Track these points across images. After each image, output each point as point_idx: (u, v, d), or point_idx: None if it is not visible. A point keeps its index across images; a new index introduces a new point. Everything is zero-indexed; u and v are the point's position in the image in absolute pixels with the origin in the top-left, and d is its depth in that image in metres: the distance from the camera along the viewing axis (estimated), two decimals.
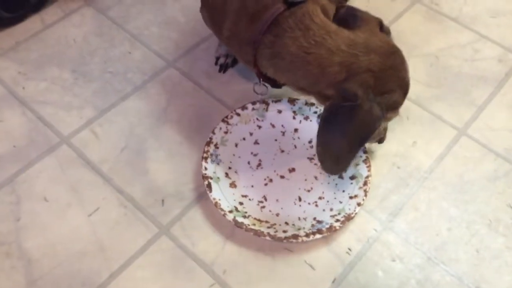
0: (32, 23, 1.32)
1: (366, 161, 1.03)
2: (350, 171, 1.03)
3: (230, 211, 0.99)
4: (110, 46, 1.28)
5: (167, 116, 1.16)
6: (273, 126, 1.12)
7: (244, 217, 0.99)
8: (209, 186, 1.01)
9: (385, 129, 1.02)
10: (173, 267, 0.96)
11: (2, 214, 1.01)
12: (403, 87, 0.91)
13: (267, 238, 0.95)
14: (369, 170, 1.02)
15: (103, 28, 1.32)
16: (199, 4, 1.11)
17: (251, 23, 0.94)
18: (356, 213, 0.97)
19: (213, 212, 1.02)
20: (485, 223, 1.02)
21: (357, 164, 1.03)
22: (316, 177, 1.05)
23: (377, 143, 1.05)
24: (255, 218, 0.99)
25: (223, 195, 1.01)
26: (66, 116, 1.15)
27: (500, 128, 1.15)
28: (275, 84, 1.02)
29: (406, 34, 1.32)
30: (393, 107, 0.92)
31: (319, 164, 1.01)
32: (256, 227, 0.97)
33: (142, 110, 1.17)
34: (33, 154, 1.09)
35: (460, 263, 0.97)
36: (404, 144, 1.12)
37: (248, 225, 0.97)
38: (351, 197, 1.00)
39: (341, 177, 1.03)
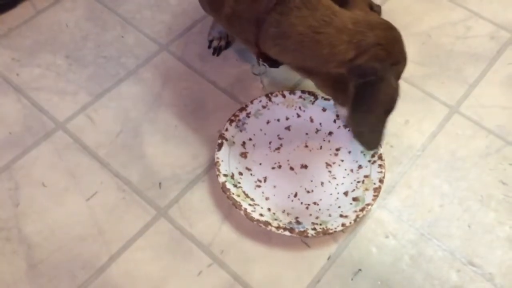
0: (24, 9, 1.32)
1: (376, 189, 1.00)
2: (359, 193, 1.01)
3: (225, 175, 1.01)
4: (102, 31, 1.28)
5: (161, 100, 1.17)
6: (311, 120, 1.11)
7: (235, 186, 1.01)
8: (220, 145, 1.04)
9: None
10: (171, 248, 0.97)
11: (1, 200, 1.02)
12: (405, 58, 0.93)
13: (241, 212, 0.96)
14: (373, 199, 0.99)
15: (95, 12, 1.32)
16: None
17: (254, 2, 0.93)
18: (335, 231, 0.95)
19: (209, 194, 1.04)
20: (477, 199, 1.04)
21: (366, 189, 1.01)
22: (322, 183, 1.04)
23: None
24: (244, 192, 1.01)
25: (227, 159, 1.03)
26: (61, 102, 1.16)
27: (492, 105, 1.17)
28: (273, 64, 1.02)
29: (398, 12, 1.32)
30: (398, 77, 0.94)
31: (333, 172, 1.04)
32: (239, 199, 0.98)
33: (136, 95, 1.18)
34: (29, 140, 1.10)
35: (453, 238, 0.99)
36: (397, 123, 1.13)
37: (233, 193, 0.99)
38: (341, 216, 0.98)
39: (346, 193, 1.02)
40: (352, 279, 0.95)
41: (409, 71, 1.19)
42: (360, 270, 0.96)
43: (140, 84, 1.19)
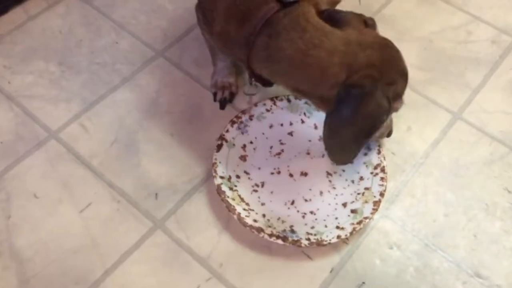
0: (16, 15, 1.29)
1: (376, 202, 0.97)
2: (358, 205, 0.98)
3: (221, 177, 0.99)
4: (96, 37, 1.25)
5: (157, 108, 1.14)
6: (315, 127, 1.08)
7: (230, 189, 0.98)
8: (219, 146, 1.02)
9: (391, 121, 1.00)
10: (168, 261, 0.94)
11: None
12: (404, 76, 0.89)
13: (234, 216, 0.94)
14: (372, 213, 0.96)
15: (89, 18, 1.29)
16: None
17: (242, 22, 0.89)
18: (329, 243, 0.93)
19: (207, 205, 1.00)
20: (482, 207, 1.01)
21: (366, 202, 0.98)
22: (321, 193, 1.01)
23: (386, 138, 1.03)
24: (239, 196, 0.98)
25: (226, 161, 1.01)
26: (53, 110, 1.13)
27: (495, 111, 1.14)
28: (266, 84, 0.99)
29: (398, 18, 1.30)
30: (398, 97, 0.90)
31: (333, 180, 1.01)
32: (233, 203, 0.96)
33: (131, 102, 1.14)
34: (21, 150, 1.07)
35: (458, 249, 0.96)
36: (399, 130, 1.10)
37: (228, 196, 0.96)
38: (337, 227, 0.95)
39: (344, 205, 0.99)
40: None
41: (410, 76, 1.16)
42: (363, 283, 0.93)
43: (135, 91, 1.16)
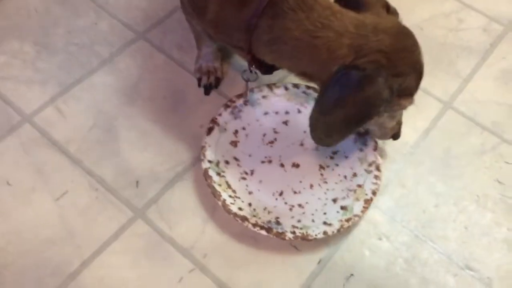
0: None
1: (367, 201, 0.93)
2: (348, 202, 0.95)
3: (210, 161, 0.95)
4: (74, 16, 1.19)
5: (138, 92, 1.09)
6: None
7: (218, 174, 0.95)
8: (210, 129, 0.99)
9: (400, 123, 0.95)
10: (149, 252, 0.90)
11: None
12: (417, 71, 0.84)
13: (219, 203, 0.91)
14: (362, 211, 0.92)
15: None
16: None
17: (242, 5, 0.83)
18: (315, 239, 0.89)
19: (191, 194, 0.96)
20: (473, 199, 0.99)
21: (357, 199, 0.94)
22: (312, 186, 0.97)
23: (391, 140, 0.98)
24: (227, 182, 0.95)
25: (215, 145, 0.97)
26: (28, 93, 1.07)
27: (487, 100, 1.12)
28: (267, 71, 0.94)
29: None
30: (407, 93, 0.84)
31: (325, 174, 0.98)
32: (219, 188, 0.92)
33: (110, 86, 1.09)
34: None
35: (449, 241, 0.94)
36: None
37: (214, 182, 0.93)
38: (325, 223, 0.91)
39: (334, 200, 0.95)
40: (344, 285, 0.89)
41: None
42: (352, 274, 0.90)
43: (115, 75, 1.11)
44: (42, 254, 0.89)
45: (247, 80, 1.00)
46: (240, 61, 1.12)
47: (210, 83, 1.09)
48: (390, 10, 0.87)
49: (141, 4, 1.22)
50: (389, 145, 1.04)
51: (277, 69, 0.92)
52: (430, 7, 1.27)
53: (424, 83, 1.12)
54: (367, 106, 0.81)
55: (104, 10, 1.21)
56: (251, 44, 0.86)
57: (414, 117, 1.08)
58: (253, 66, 0.91)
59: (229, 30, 0.88)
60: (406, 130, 1.06)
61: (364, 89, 0.79)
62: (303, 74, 0.86)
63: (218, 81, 1.10)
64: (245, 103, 1.04)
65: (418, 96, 1.11)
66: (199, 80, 1.10)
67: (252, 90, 1.04)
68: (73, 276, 0.87)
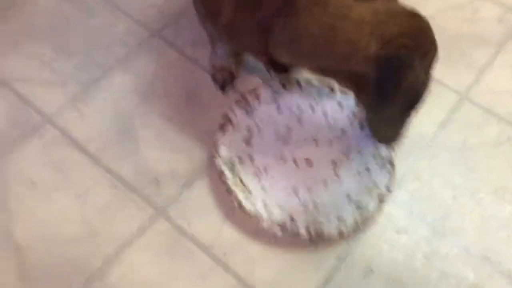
0: None
1: (381, 197, 0.93)
2: (362, 198, 0.94)
3: (223, 158, 0.96)
4: (89, 17, 1.20)
5: (154, 90, 1.10)
6: (325, 115, 1.04)
7: (232, 171, 0.96)
8: (223, 126, 0.99)
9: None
10: (171, 249, 0.92)
11: None
12: (435, 46, 0.85)
13: (233, 200, 0.92)
14: (377, 207, 0.92)
15: None
16: None
17: (255, 7, 0.84)
18: (329, 236, 0.90)
19: (209, 191, 0.98)
20: (491, 191, 0.99)
21: (371, 195, 0.94)
22: (325, 182, 0.97)
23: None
24: (240, 179, 0.96)
25: (229, 143, 0.98)
26: (47, 94, 1.08)
27: (503, 91, 1.11)
28: (283, 70, 0.94)
29: None
30: (429, 69, 0.85)
31: (340, 167, 0.98)
32: (234, 186, 0.93)
33: (128, 85, 1.10)
34: (16, 135, 1.03)
35: (467, 234, 0.94)
36: None
37: (228, 179, 0.94)
38: (339, 220, 0.92)
39: (348, 196, 0.95)
40: (363, 280, 0.90)
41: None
42: (371, 269, 0.91)
43: (132, 74, 1.12)
44: (66, 253, 0.91)
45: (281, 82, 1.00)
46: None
47: (225, 80, 1.10)
48: None
49: (155, 2, 1.23)
50: (405, 138, 1.04)
51: (293, 67, 0.92)
52: None
53: (439, 75, 1.13)
54: (416, 93, 0.82)
55: (119, 9, 1.22)
56: (267, 46, 0.86)
57: (430, 109, 1.07)
58: (269, 67, 0.91)
59: (244, 34, 0.89)
60: (421, 122, 1.06)
61: (407, 79, 0.79)
62: (321, 70, 0.87)
63: (232, 77, 1.10)
64: (258, 99, 1.04)
65: (433, 87, 1.11)
66: (214, 76, 1.11)
67: (264, 87, 1.05)
68: (96, 274, 0.89)
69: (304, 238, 0.90)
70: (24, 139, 1.02)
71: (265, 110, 1.04)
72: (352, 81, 0.85)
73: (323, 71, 0.87)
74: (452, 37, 1.19)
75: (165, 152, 1.02)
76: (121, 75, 1.12)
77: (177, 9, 1.22)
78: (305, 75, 1.07)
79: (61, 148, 1.02)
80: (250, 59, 1.13)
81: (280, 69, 0.93)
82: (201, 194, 0.97)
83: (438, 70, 1.13)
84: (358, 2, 0.82)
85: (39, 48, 1.15)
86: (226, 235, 0.93)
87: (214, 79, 1.10)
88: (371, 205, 0.93)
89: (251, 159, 0.99)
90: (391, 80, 0.80)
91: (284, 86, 1.05)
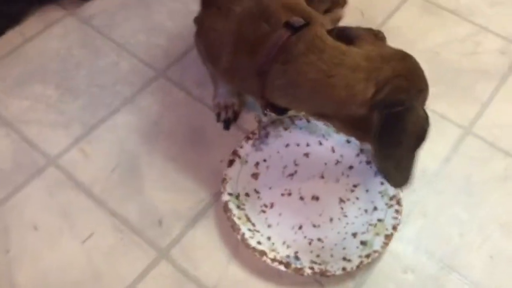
0: (11, 37, 1.26)
1: (388, 236, 0.92)
2: (368, 237, 0.93)
3: (230, 194, 0.96)
4: (95, 58, 1.22)
5: (159, 130, 1.10)
6: (333, 150, 1.05)
7: (238, 207, 0.95)
8: (231, 162, 1.00)
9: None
10: None
11: None
12: (427, 85, 0.87)
13: (238, 237, 0.91)
14: (382, 247, 0.91)
15: (87, 38, 1.26)
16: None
17: (253, 54, 0.86)
18: (333, 275, 0.88)
19: (214, 231, 0.97)
20: (498, 227, 0.98)
21: (377, 234, 0.93)
22: (331, 219, 0.97)
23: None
24: (246, 215, 0.95)
25: (236, 178, 0.99)
26: (52, 135, 1.10)
27: (507, 125, 1.11)
28: (281, 112, 0.96)
29: (402, 29, 1.27)
30: (424, 106, 0.87)
31: (348, 203, 0.98)
32: (239, 222, 0.93)
33: (132, 125, 1.11)
34: (20, 178, 1.03)
35: (475, 270, 0.93)
36: None
37: (234, 215, 0.94)
38: (344, 259, 0.91)
39: (354, 235, 0.94)
40: None
41: None
42: None
43: (136, 114, 1.13)
44: None
45: (259, 121, 1.02)
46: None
47: (228, 118, 1.11)
48: (379, 36, 0.90)
49: (160, 42, 1.25)
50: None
51: (290, 110, 0.93)
52: (444, 31, 1.27)
53: (441, 109, 1.13)
54: (421, 131, 0.83)
55: (125, 49, 1.24)
56: (265, 89, 0.88)
57: (434, 144, 1.07)
58: (267, 109, 0.93)
59: (243, 77, 0.91)
60: (425, 158, 1.05)
61: (410, 121, 0.81)
62: (319, 115, 0.88)
63: (236, 115, 1.11)
64: (267, 135, 1.05)
65: (437, 122, 1.11)
66: (218, 115, 1.11)
67: (273, 122, 1.05)
68: None
69: (309, 275, 0.89)
70: (28, 182, 1.03)
71: (273, 145, 1.05)
72: (351, 125, 0.85)
73: (322, 115, 0.88)
74: (455, 70, 1.20)
75: (169, 192, 1.02)
76: (127, 115, 1.13)
77: (181, 49, 1.24)
78: None
79: (65, 191, 1.02)
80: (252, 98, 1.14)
81: (278, 112, 0.94)
82: (205, 234, 0.97)
83: (442, 105, 1.14)
84: (350, 47, 0.84)
85: (46, 90, 1.16)
86: (232, 275, 0.92)
87: (218, 117, 1.11)
88: (377, 243, 0.92)
89: (258, 194, 0.99)
90: (396, 125, 0.80)
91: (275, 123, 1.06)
